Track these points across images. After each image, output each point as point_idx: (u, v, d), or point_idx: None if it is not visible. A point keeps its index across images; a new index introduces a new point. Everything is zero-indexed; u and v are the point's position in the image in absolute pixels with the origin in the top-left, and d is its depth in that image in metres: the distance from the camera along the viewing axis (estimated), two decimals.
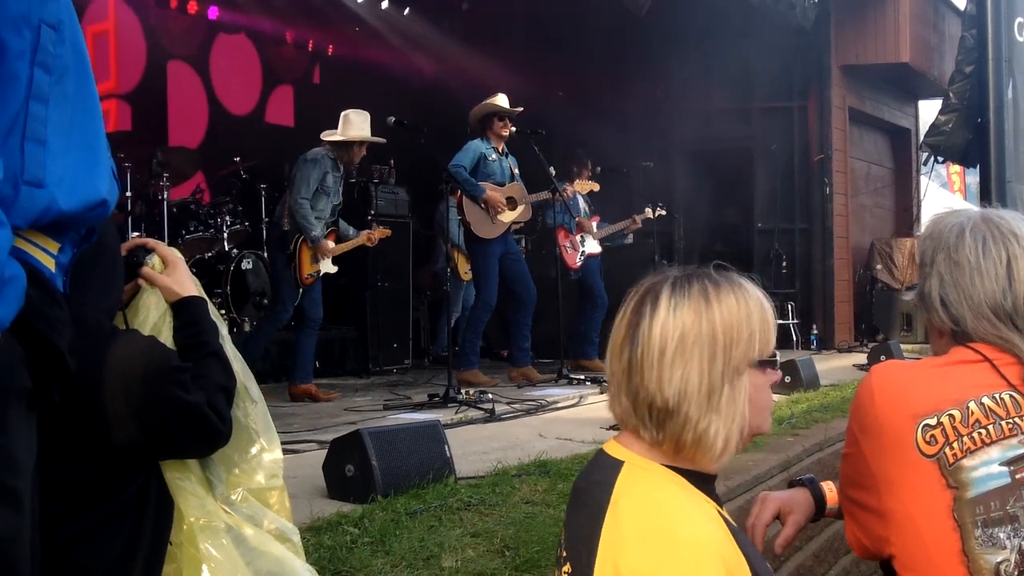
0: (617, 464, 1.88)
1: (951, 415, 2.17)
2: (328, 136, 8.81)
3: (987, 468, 2.13)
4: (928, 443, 2.17)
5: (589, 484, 1.91)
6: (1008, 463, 2.13)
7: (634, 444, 1.90)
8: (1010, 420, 2.16)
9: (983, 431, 2.15)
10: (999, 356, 2.23)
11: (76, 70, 1.72)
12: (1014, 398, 2.18)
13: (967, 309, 2.26)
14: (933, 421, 2.18)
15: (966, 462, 2.14)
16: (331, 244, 8.71)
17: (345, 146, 8.73)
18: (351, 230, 9.19)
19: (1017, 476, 2.12)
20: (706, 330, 1.85)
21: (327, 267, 8.74)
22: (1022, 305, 2.23)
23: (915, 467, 2.17)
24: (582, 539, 1.82)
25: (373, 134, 8.82)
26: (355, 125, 8.74)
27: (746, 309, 1.89)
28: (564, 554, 1.88)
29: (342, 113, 8.84)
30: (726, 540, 1.78)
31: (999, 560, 2.09)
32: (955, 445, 2.15)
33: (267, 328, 8.96)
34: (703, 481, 1.90)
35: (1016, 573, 2.08)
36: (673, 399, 1.83)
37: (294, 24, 14.16)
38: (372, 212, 11.04)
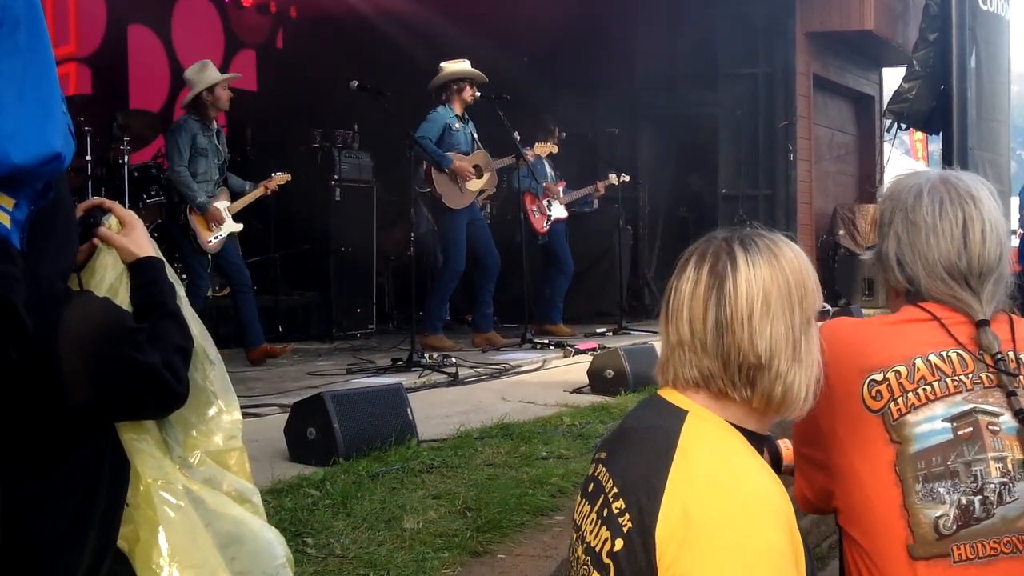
0: (680, 412, 1.91)
1: (897, 371, 2.19)
2: (183, 102, 8.77)
3: (930, 424, 2.15)
4: (873, 398, 2.19)
5: (647, 427, 1.94)
6: (951, 419, 2.16)
7: (696, 396, 1.93)
8: (956, 378, 2.18)
9: (928, 388, 2.18)
10: (949, 315, 2.25)
11: (28, 23, 1.70)
12: (961, 356, 2.21)
13: (921, 268, 2.28)
14: (879, 377, 2.20)
15: (910, 417, 2.16)
16: (221, 209, 8.59)
17: (199, 102, 8.58)
18: (247, 184, 9.11)
19: (959, 432, 2.15)
20: (783, 285, 1.90)
21: (229, 227, 8.67)
22: (976, 266, 2.25)
23: (860, 421, 2.19)
24: (641, 478, 1.84)
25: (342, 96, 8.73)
26: (198, 81, 8.58)
27: (802, 262, 1.96)
28: (613, 489, 1.88)
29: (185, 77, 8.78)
30: (788, 500, 1.83)
31: (938, 515, 2.12)
32: (900, 400, 2.18)
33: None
34: (757, 441, 1.94)
35: (954, 527, 2.11)
36: (766, 354, 1.87)
37: None
38: (336, 177, 11.00)
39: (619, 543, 1.82)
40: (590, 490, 1.98)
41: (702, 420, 1.90)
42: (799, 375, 1.90)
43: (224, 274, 8.98)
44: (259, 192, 9.03)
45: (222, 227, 8.57)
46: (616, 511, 1.85)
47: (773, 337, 1.88)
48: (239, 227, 8.82)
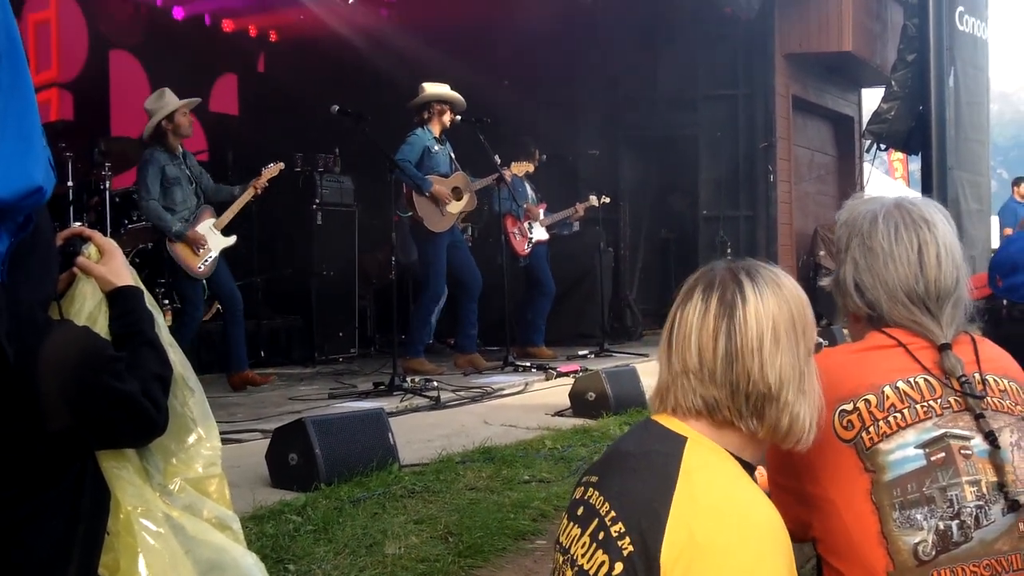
0: (679, 438, 1.92)
1: (867, 400, 2.21)
2: (143, 134, 8.65)
3: (903, 451, 2.16)
4: (845, 428, 2.20)
5: (646, 452, 1.94)
6: (923, 445, 2.17)
7: (693, 423, 1.95)
8: (925, 403, 2.20)
9: (898, 415, 2.19)
10: (913, 340, 2.27)
11: (9, 60, 1.71)
12: (928, 381, 2.22)
13: (882, 293, 2.30)
14: (849, 407, 2.21)
15: (882, 446, 2.17)
16: (203, 231, 8.45)
17: (160, 133, 8.48)
18: (236, 189, 8.93)
19: (932, 458, 2.16)
20: (786, 316, 1.93)
21: (218, 244, 8.55)
22: (933, 289, 2.27)
23: (833, 452, 2.20)
24: (642, 502, 1.85)
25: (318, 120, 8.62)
26: (156, 110, 8.49)
27: (802, 295, 1.99)
28: (611, 513, 1.88)
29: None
30: (787, 532, 1.84)
31: (916, 541, 2.12)
32: (871, 429, 2.19)
33: (184, 332, 8.55)
34: (749, 470, 1.96)
35: (934, 553, 2.12)
36: (775, 385, 1.90)
37: (238, 12, 14.04)
38: (317, 201, 11.00)
39: (619, 566, 1.83)
40: (580, 513, 1.98)
41: (702, 447, 1.91)
42: (804, 406, 1.94)
43: (216, 296, 8.89)
44: (249, 195, 8.81)
45: (209, 249, 8.45)
46: (615, 534, 1.86)
47: (782, 367, 1.91)
48: (231, 241, 8.69)
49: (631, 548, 1.82)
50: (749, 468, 1.96)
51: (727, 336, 1.91)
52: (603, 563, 1.85)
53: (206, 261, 8.44)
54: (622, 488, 1.92)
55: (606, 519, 1.89)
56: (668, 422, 1.98)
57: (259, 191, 8.89)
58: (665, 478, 1.85)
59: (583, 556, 1.91)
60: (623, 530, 1.85)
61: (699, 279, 2.01)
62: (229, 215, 8.74)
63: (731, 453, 1.93)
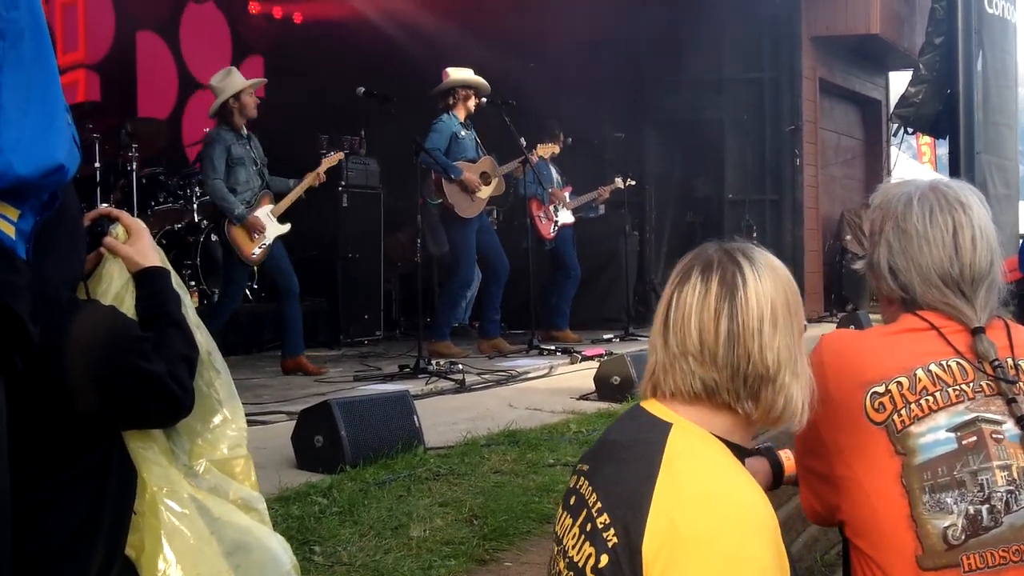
0: (664, 425, 1.91)
1: (899, 382, 2.19)
2: (210, 112, 8.61)
3: (934, 434, 2.15)
4: (876, 410, 2.19)
5: (631, 441, 1.93)
6: (955, 429, 2.16)
7: (681, 409, 1.94)
8: (957, 387, 2.18)
9: (930, 398, 2.17)
10: (946, 324, 2.25)
11: (32, 35, 1.71)
12: (960, 365, 2.21)
13: (916, 276, 2.28)
14: (881, 389, 2.20)
15: (914, 429, 2.16)
16: (261, 216, 8.43)
17: (226, 111, 8.43)
18: (291, 182, 8.90)
19: (964, 442, 2.14)
20: (783, 298, 1.93)
21: (274, 231, 8.52)
22: (968, 273, 2.26)
23: (864, 434, 2.19)
24: (626, 493, 1.84)
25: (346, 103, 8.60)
26: (222, 88, 8.42)
27: (791, 277, 1.99)
28: (597, 504, 1.88)
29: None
30: (774, 514, 1.83)
31: (946, 525, 2.11)
32: (903, 412, 2.17)
33: (221, 313, 8.68)
34: (740, 453, 1.94)
35: (963, 537, 2.11)
36: (774, 366, 1.90)
37: None
38: (343, 183, 11.00)
39: (604, 559, 1.81)
40: (572, 503, 1.97)
41: (687, 433, 1.90)
42: (797, 387, 1.93)
43: (272, 279, 8.84)
44: (307, 183, 8.78)
45: (265, 234, 8.42)
46: (600, 526, 1.85)
47: (780, 349, 1.90)
48: (285, 228, 8.61)
49: (615, 540, 1.81)
50: (739, 451, 1.94)
51: (729, 317, 1.90)
52: (590, 555, 1.85)
53: (261, 246, 8.41)
54: (608, 478, 1.91)
55: (593, 510, 1.88)
56: (655, 408, 1.97)
57: (320, 181, 8.90)
58: (648, 467, 1.84)
59: (573, 547, 1.91)
60: (608, 521, 1.84)
61: (695, 260, 1.99)
62: (287, 203, 8.69)
63: (721, 437, 1.92)
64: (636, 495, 1.81)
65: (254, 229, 8.37)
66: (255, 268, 8.60)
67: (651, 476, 1.82)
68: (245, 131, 8.57)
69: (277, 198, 8.69)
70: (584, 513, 1.91)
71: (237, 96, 8.40)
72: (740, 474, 1.87)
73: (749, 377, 1.89)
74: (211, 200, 8.61)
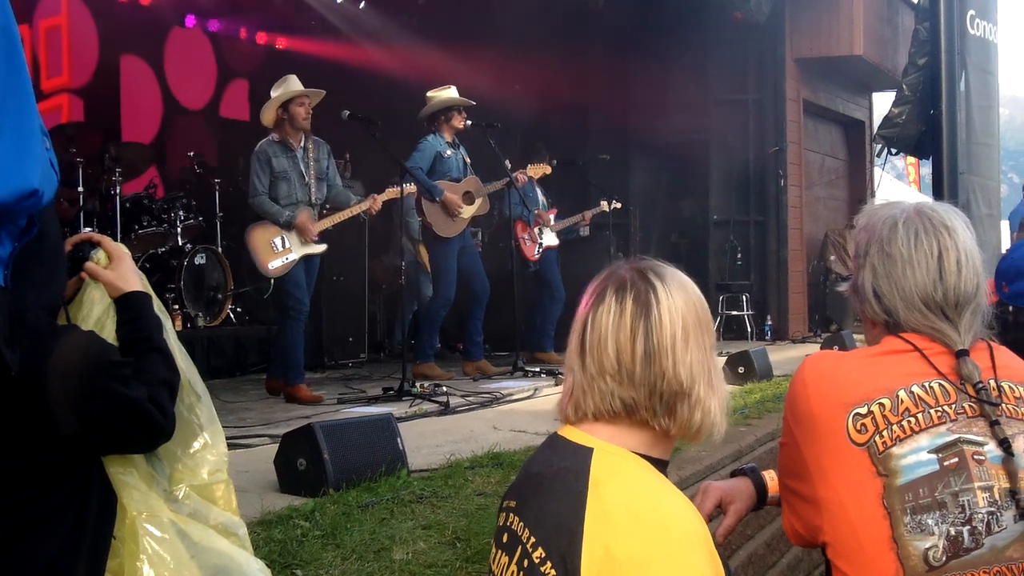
0: (585, 450, 1.91)
1: (881, 404, 2.19)
2: (263, 120, 8.34)
3: (916, 456, 2.15)
4: (859, 431, 2.19)
5: (556, 471, 1.92)
6: (936, 450, 2.15)
7: (599, 431, 1.94)
8: (939, 408, 2.19)
9: (912, 419, 2.17)
10: (929, 345, 2.26)
11: (6, 59, 1.70)
12: (943, 386, 2.21)
13: (899, 300, 2.29)
14: (864, 410, 2.20)
15: (896, 450, 2.16)
16: (306, 220, 8.11)
17: (277, 121, 8.19)
18: (353, 198, 8.64)
19: (945, 463, 2.14)
20: (693, 314, 1.94)
21: (302, 249, 8.13)
22: (952, 296, 2.26)
23: (846, 455, 2.19)
24: (558, 524, 1.83)
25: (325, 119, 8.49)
26: (275, 98, 8.20)
27: (699, 292, 2.00)
28: (531, 539, 1.87)
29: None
30: (704, 523, 1.84)
31: (927, 546, 2.11)
32: (885, 433, 2.17)
33: (296, 330, 8.30)
34: (661, 467, 1.95)
35: (944, 559, 2.10)
36: (687, 381, 1.90)
37: (250, 18, 14.06)
38: (327, 206, 10.96)
39: None
40: (505, 541, 1.96)
41: (609, 456, 1.90)
42: (714, 401, 1.94)
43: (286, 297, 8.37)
44: (361, 207, 8.52)
45: (290, 249, 8.08)
46: (537, 560, 1.84)
47: (692, 364, 1.92)
48: (320, 248, 8.29)
49: (553, 572, 1.80)
50: (660, 464, 1.95)
51: (645, 336, 1.91)
52: None
53: (284, 260, 8.07)
54: (539, 512, 1.90)
55: (527, 545, 1.88)
56: (573, 435, 1.97)
57: (375, 209, 8.64)
58: (576, 495, 1.84)
59: None
60: (543, 555, 1.83)
61: (608, 281, 2.01)
62: (329, 222, 8.40)
63: (641, 453, 1.92)
64: (568, 525, 1.81)
65: (303, 235, 8.09)
66: (271, 282, 8.38)
67: (580, 504, 1.82)
68: (300, 142, 8.25)
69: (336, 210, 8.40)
70: (520, 550, 1.90)
71: (285, 106, 8.16)
72: (665, 488, 1.88)
73: (665, 393, 1.90)
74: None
